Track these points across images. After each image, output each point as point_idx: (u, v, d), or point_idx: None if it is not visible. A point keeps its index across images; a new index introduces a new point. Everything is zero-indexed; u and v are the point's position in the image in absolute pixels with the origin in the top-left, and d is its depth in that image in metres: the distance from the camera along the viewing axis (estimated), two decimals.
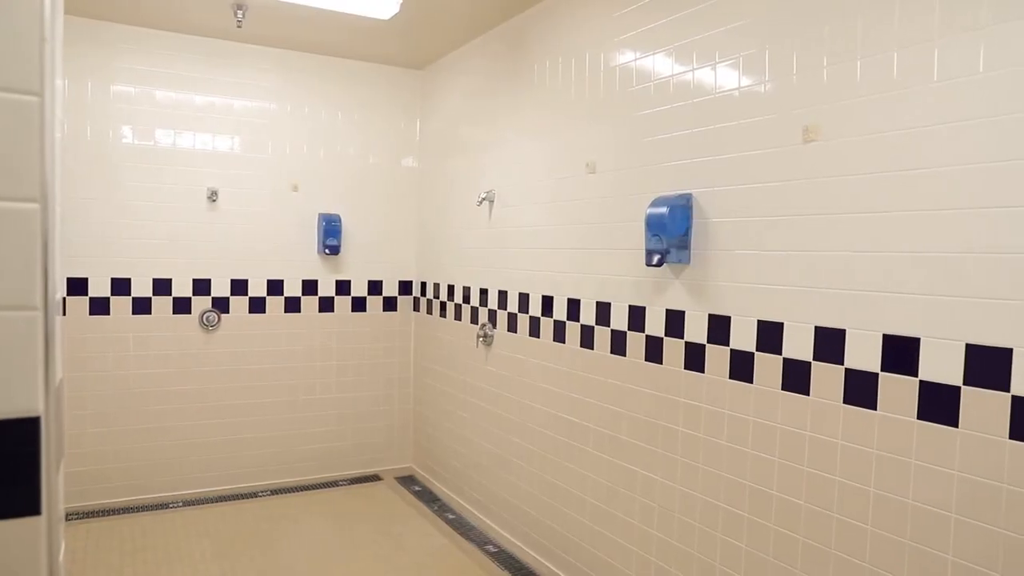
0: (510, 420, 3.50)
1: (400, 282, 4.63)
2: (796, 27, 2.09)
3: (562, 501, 3.12)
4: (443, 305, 4.24)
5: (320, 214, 4.32)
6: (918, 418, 1.78)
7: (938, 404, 1.74)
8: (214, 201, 4.04)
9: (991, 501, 1.61)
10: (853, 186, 1.93)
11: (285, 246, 4.27)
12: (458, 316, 4.03)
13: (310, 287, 4.36)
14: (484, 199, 3.65)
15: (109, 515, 3.78)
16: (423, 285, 4.53)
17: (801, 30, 2.07)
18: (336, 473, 4.50)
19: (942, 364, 1.73)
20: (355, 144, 4.43)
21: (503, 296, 3.56)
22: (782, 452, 2.12)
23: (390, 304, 4.60)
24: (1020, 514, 1.56)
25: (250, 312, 4.20)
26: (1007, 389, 1.60)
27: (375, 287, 4.55)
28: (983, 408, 1.65)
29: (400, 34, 3.86)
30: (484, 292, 3.75)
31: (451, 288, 4.14)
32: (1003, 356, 1.61)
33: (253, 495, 4.16)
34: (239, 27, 3.59)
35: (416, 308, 4.63)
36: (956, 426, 1.70)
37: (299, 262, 4.32)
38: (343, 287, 4.45)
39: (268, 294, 4.25)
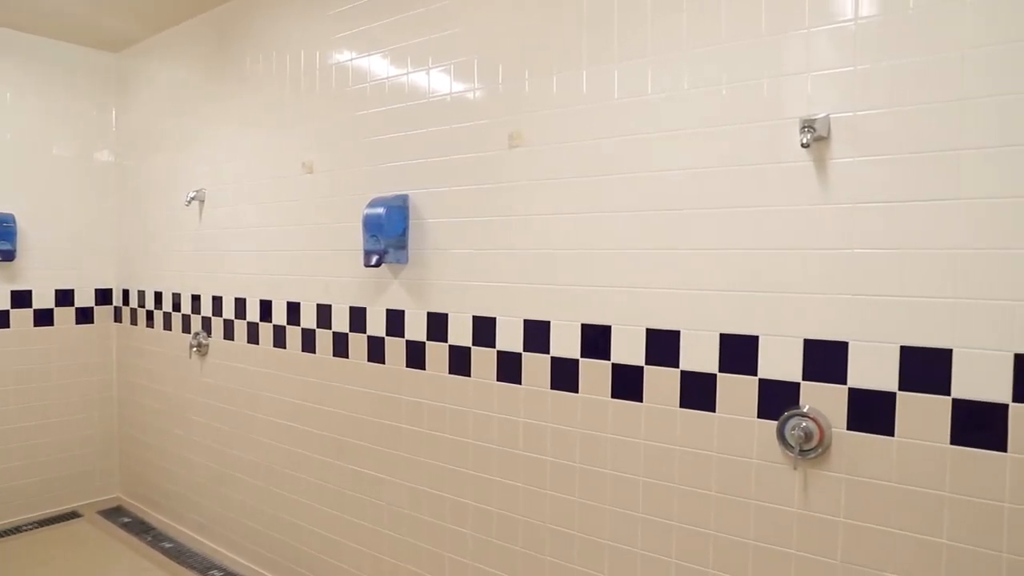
0: (232, 433, 3.28)
1: (97, 290, 4.10)
2: (501, 40, 2.23)
3: (292, 512, 3.00)
4: (150, 314, 3.84)
5: None
6: (612, 397, 2.00)
7: (629, 386, 1.97)
8: None
9: (743, 477, 1.84)
10: (553, 189, 2.11)
11: None
12: (168, 325, 3.68)
13: None
14: (193, 198, 3.38)
15: None
16: (125, 293, 4.06)
17: (506, 43, 2.21)
18: (19, 517, 3.84)
19: (630, 349, 1.96)
20: (32, 133, 3.82)
21: (218, 302, 3.33)
22: (500, 439, 2.26)
23: (85, 315, 4.05)
24: (772, 488, 1.80)
25: None
26: (676, 366, 1.87)
27: (65, 297, 3.97)
28: (662, 385, 1.91)
29: (89, 8, 3.41)
30: (196, 298, 3.46)
31: (159, 295, 3.76)
32: (673, 337, 1.88)
33: None
34: None
35: (118, 319, 4.13)
36: (640, 400, 1.94)
37: None
38: (21, 299, 3.82)
39: None
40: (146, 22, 3.56)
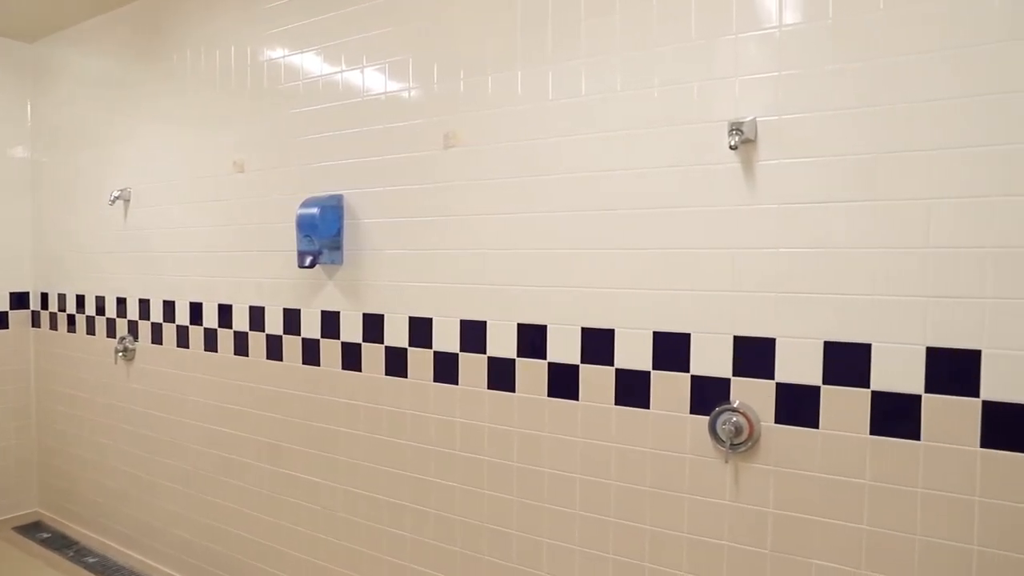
0: (161, 441, 3.17)
1: (12, 294, 3.89)
2: (437, 40, 2.22)
3: (225, 520, 2.92)
4: (71, 318, 3.67)
5: None
6: (549, 396, 2.02)
7: (566, 385, 1.99)
8: None
9: (677, 472, 1.87)
10: (489, 189, 2.11)
11: None
12: (91, 330, 3.53)
13: None
14: (118, 198, 3.25)
15: None
16: (44, 296, 3.88)
17: (441, 43, 2.21)
18: None
19: (566, 348, 1.98)
20: None
21: (145, 305, 3.21)
22: (437, 440, 2.25)
23: None
24: (705, 481, 1.85)
25: None
26: (611, 364, 1.90)
27: None
28: (597, 384, 1.93)
29: None
30: (122, 301, 3.33)
31: (81, 298, 3.60)
32: (608, 336, 1.90)
33: None
34: None
35: (36, 324, 3.94)
36: (576, 399, 1.96)
37: None
38: None
39: None
40: (65, 10, 3.41)
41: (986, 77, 1.44)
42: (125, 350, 3.28)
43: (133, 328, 3.28)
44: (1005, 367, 1.44)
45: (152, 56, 3.15)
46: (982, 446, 1.47)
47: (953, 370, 1.49)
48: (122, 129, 3.32)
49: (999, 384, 1.45)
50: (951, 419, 1.49)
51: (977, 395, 1.47)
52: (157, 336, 3.16)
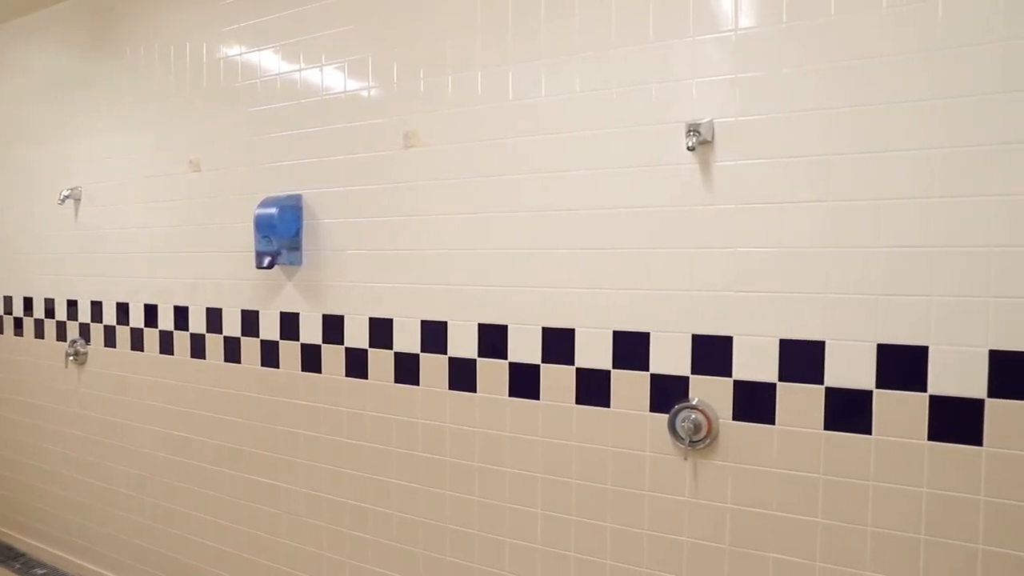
0: (115, 447, 3.10)
1: None
2: (396, 39, 2.20)
3: (182, 527, 2.86)
4: (18, 321, 3.56)
5: None
6: (510, 396, 2.02)
7: (527, 385, 1.99)
8: None
9: (638, 470, 1.90)
10: (449, 189, 2.10)
11: None
12: (40, 333, 3.43)
13: None
14: (68, 196, 3.16)
15: None
16: None
17: (401, 42, 2.19)
18: None
19: (527, 348, 1.99)
20: None
21: (97, 307, 3.13)
22: (398, 441, 2.24)
23: None
24: (665, 479, 1.88)
25: None
26: (572, 363, 1.91)
27: None
28: (558, 383, 1.94)
29: None
30: (73, 304, 3.24)
31: (28, 301, 3.49)
32: (568, 336, 1.91)
33: None
34: None
35: None
36: (537, 399, 1.97)
37: None
38: None
39: None
40: (9, 1, 3.30)
41: (931, 82, 1.49)
42: (76, 353, 3.20)
43: (85, 331, 3.20)
44: (951, 362, 1.49)
45: (104, 50, 3.07)
46: (929, 439, 1.51)
47: (902, 366, 1.53)
48: (72, 126, 3.23)
49: (945, 379, 1.50)
50: (900, 413, 1.54)
51: (925, 390, 1.51)
52: (110, 339, 3.08)
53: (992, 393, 1.46)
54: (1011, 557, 1.46)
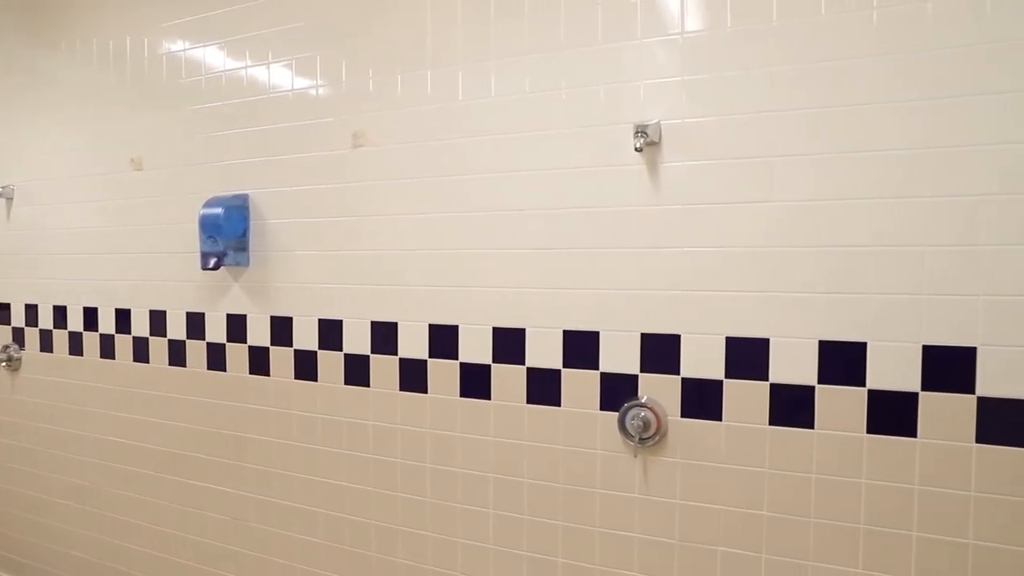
0: (53, 455, 2.99)
1: None
2: (345, 37, 2.18)
3: (123, 537, 2.77)
4: None
5: None
6: (461, 396, 2.02)
7: (478, 385, 1.99)
8: None
9: (589, 468, 1.91)
10: (398, 189, 2.09)
11: None
12: None
13: None
14: (0, 196, 3.04)
15: None
16: None
17: (349, 40, 2.17)
18: None
19: (477, 348, 1.99)
20: None
21: (32, 311, 3.02)
22: (349, 443, 2.21)
23: None
24: (615, 476, 1.89)
25: None
26: (523, 363, 1.92)
27: None
28: (509, 383, 1.94)
29: None
30: (5, 307, 3.12)
31: None
32: (518, 335, 1.92)
33: None
34: None
35: None
36: (488, 399, 1.97)
37: None
38: None
39: None
40: None
41: (870, 87, 1.54)
42: (9, 359, 3.07)
43: (18, 336, 3.07)
44: (888, 357, 1.54)
45: (38, 44, 2.96)
46: (868, 432, 1.57)
47: (843, 362, 1.58)
48: (5, 121, 3.11)
49: (883, 373, 1.55)
50: (841, 408, 1.59)
51: (864, 384, 1.57)
52: (47, 344, 2.97)
53: (925, 386, 1.52)
54: (944, 543, 1.52)
